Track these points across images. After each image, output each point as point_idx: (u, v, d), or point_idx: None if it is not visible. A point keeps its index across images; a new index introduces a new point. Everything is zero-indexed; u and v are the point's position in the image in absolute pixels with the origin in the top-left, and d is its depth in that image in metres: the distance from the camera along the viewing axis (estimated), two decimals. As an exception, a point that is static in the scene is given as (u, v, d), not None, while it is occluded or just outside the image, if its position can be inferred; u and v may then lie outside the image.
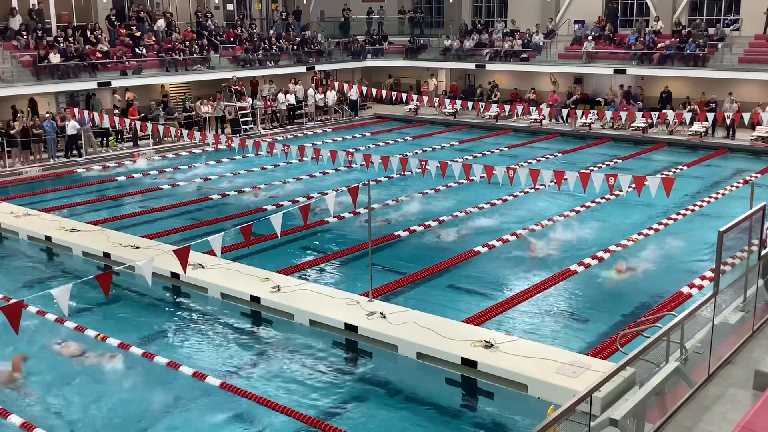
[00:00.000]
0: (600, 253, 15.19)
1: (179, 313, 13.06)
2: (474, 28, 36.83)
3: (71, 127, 24.53)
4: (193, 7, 35.10)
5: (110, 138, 26.79)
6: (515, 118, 31.06)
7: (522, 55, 33.65)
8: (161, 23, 31.34)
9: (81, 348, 11.42)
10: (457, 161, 20.23)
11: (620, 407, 7.71)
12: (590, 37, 32.60)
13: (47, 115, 24.82)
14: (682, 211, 18.32)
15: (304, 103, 32.21)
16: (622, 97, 30.95)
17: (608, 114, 29.44)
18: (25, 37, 27.12)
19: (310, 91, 32.51)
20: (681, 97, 29.57)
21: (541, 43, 33.80)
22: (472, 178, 16.90)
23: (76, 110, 25.13)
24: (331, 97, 32.90)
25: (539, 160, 24.65)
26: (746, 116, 25.27)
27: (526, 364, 10.02)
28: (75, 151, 24.96)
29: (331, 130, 31.21)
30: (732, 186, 20.91)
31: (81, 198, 20.50)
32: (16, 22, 27.49)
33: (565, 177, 15.37)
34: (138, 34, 30.34)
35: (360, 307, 11.99)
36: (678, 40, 30.17)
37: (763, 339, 9.86)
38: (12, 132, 23.52)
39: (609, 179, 14.61)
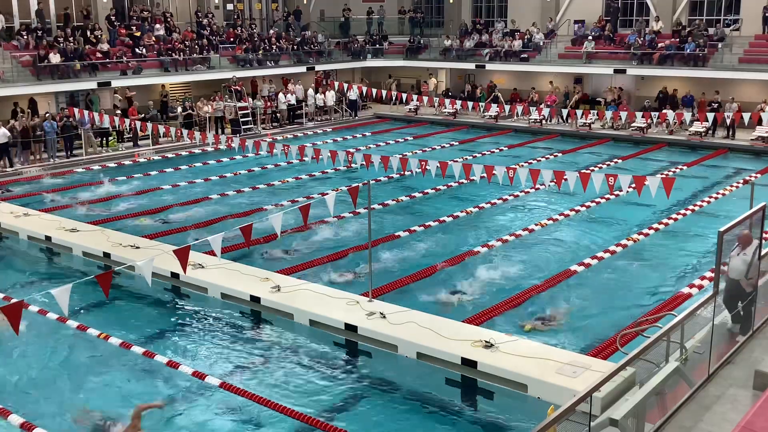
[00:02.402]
0: (600, 253, 15.21)
1: (179, 313, 13.05)
2: (474, 28, 36.82)
3: (1, 135, 22.82)
4: (193, 7, 35.10)
5: (110, 138, 26.79)
6: (515, 118, 31.06)
7: (522, 55, 33.65)
8: (160, 32, 31.29)
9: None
10: (457, 161, 20.22)
11: (620, 407, 7.71)
12: (590, 37, 32.59)
13: (47, 115, 24.81)
14: (682, 211, 18.32)
15: (304, 103, 32.21)
16: (663, 103, 29.63)
17: (608, 114, 29.43)
18: (25, 37, 27.12)
19: (310, 91, 32.51)
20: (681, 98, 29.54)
21: (541, 43, 33.80)
22: (472, 178, 16.89)
23: (76, 110, 25.11)
24: (331, 97, 32.90)
25: (539, 160, 24.64)
26: (746, 116, 25.25)
27: (526, 364, 10.01)
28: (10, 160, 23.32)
29: (331, 130, 31.20)
30: (732, 186, 20.90)
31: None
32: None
33: (565, 177, 15.37)
34: (138, 34, 30.34)
35: (360, 307, 11.98)
36: (678, 40, 30.15)
37: (763, 339, 9.87)
38: (9, 128, 23.49)
39: (609, 179, 14.60)
